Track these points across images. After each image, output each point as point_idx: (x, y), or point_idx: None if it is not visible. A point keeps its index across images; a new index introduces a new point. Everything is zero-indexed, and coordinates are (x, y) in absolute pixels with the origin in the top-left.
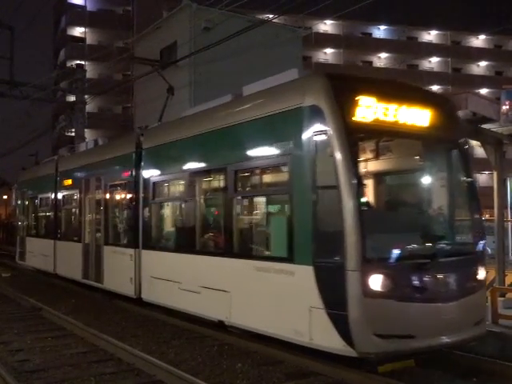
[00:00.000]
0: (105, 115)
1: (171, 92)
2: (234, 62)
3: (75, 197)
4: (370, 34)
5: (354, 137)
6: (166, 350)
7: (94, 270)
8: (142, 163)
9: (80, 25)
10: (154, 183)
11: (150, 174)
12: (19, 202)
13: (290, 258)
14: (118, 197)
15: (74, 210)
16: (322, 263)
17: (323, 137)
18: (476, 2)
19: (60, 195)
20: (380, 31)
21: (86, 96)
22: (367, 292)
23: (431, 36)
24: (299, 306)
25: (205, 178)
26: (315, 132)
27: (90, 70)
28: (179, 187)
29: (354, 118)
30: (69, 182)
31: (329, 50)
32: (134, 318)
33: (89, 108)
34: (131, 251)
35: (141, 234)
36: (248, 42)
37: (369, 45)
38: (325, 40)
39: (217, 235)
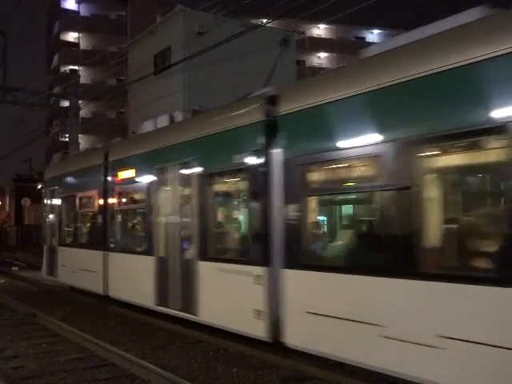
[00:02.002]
0: (99, 120)
1: (286, 44)
2: (227, 66)
3: (140, 193)
4: (364, 39)
5: None
6: (161, 354)
7: (178, 294)
8: None
9: (74, 30)
10: None
11: None
12: (48, 202)
13: None
14: (232, 190)
15: (137, 211)
16: None
17: None
18: (467, 6)
19: (112, 192)
20: (373, 35)
21: (79, 101)
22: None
23: None
24: None
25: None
26: None
27: (84, 75)
28: None
29: None
30: (128, 173)
31: (322, 54)
32: (128, 323)
33: (83, 113)
34: (258, 271)
35: (279, 246)
36: (242, 46)
37: (362, 49)
38: (318, 44)
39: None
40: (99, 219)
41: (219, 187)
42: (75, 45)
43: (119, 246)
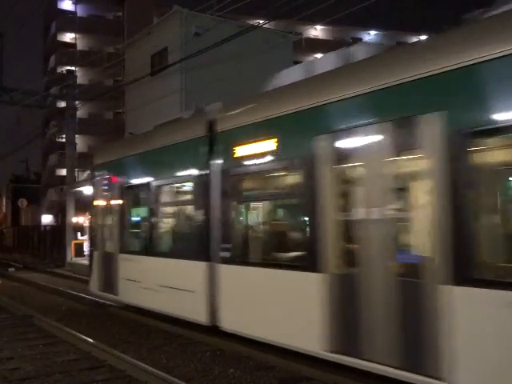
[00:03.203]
0: (96, 121)
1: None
2: (224, 67)
3: (291, 177)
4: (361, 39)
5: None
6: (158, 356)
7: (392, 339)
8: None
9: (70, 30)
10: None
11: None
12: (99, 196)
13: None
14: None
15: (282, 203)
16: None
17: None
18: (463, 8)
19: (225, 177)
20: (370, 36)
21: (76, 102)
22: None
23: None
24: None
25: None
26: None
27: (81, 75)
28: None
29: None
30: (264, 147)
31: (319, 55)
32: (125, 324)
33: (79, 114)
34: None
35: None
36: (239, 47)
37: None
38: (315, 45)
39: None
40: (197, 217)
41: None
42: (72, 45)
43: (241, 256)
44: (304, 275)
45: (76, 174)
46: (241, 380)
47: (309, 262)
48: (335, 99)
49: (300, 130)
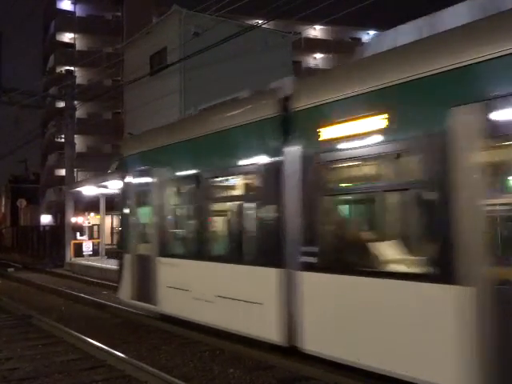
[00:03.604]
0: (95, 121)
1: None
2: (224, 67)
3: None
4: (360, 39)
5: None
6: (158, 355)
7: None
8: None
9: (69, 30)
10: None
11: None
12: (132, 190)
13: None
14: None
15: (396, 196)
16: None
17: None
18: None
19: (307, 167)
20: (369, 36)
21: (75, 102)
22: None
23: None
24: None
25: None
26: None
27: (80, 75)
28: None
29: None
30: (369, 125)
31: (318, 55)
32: (125, 324)
33: (78, 114)
34: None
35: None
36: (238, 47)
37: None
38: (314, 45)
39: None
40: (266, 214)
41: None
42: (71, 45)
43: (337, 262)
44: (444, 289)
45: (75, 174)
46: (240, 380)
47: (453, 272)
48: (500, 54)
49: (431, 100)
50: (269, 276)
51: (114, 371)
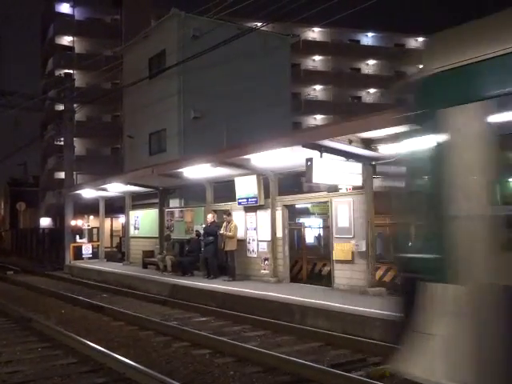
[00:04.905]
0: (94, 124)
1: None
2: (222, 69)
3: None
4: (358, 41)
5: None
6: (158, 358)
7: None
8: None
9: (68, 33)
10: None
11: None
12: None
13: None
14: None
15: None
16: None
17: None
18: (460, 9)
19: None
20: (368, 38)
21: (74, 105)
22: None
23: (418, 43)
24: None
25: None
26: None
27: (79, 78)
28: None
29: None
30: None
31: (317, 57)
32: (124, 327)
33: (78, 117)
34: None
35: None
36: (237, 49)
37: (357, 52)
38: (313, 47)
39: None
40: None
41: None
42: (70, 48)
43: None
44: None
45: (74, 177)
46: (240, 382)
47: None
48: None
49: None
50: None
51: (113, 374)
